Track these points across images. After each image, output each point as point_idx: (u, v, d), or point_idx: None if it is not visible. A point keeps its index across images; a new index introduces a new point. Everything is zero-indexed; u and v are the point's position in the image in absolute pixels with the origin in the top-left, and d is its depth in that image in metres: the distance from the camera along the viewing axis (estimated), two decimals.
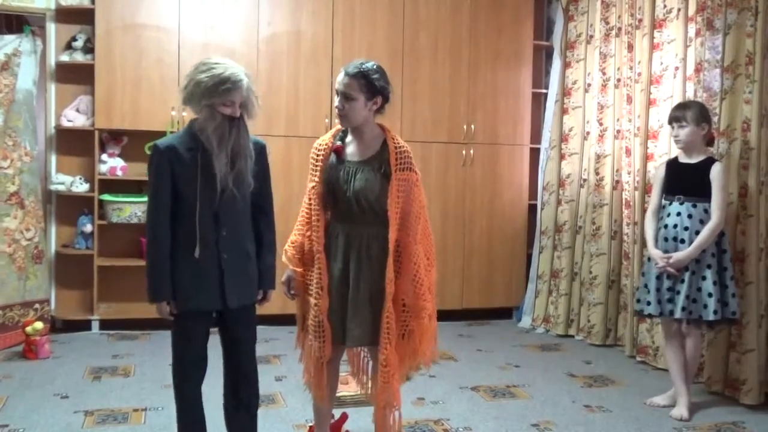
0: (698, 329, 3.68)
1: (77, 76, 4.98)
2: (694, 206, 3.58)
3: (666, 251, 3.61)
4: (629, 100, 4.72)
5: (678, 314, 3.54)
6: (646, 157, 4.54)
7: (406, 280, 2.65)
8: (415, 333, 2.70)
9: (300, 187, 5.25)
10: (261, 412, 3.45)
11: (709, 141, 3.72)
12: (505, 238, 5.67)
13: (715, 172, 3.55)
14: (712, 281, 3.52)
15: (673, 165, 3.76)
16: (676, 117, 3.66)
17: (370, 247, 2.65)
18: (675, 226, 3.61)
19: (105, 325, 4.98)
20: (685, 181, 3.63)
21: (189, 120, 2.62)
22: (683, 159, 3.70)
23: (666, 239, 3.64)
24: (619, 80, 4.87)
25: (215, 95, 2.49)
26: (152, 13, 4.92)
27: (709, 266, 3.53)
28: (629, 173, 4.71)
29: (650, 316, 3.70)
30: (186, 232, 2.49)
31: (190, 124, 2.57)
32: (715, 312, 3.49)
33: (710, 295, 3.50)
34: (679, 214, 3.61)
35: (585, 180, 5.15)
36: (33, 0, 4.92)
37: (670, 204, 3.67)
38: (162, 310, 2.58)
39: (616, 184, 4.88)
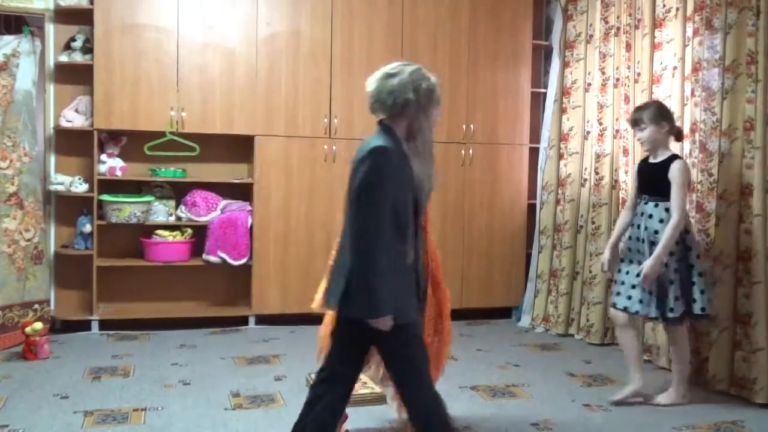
0: (673, 326, 3.70)
1: (76, 76, 4.98)
2: (656, 205, 3.64)
3: (629, 249, 3.74)
4: (627, 99, 4.72)
5: (652, 314, 3.61)
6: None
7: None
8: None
9: (300, 187, 5.27)
10: (260, 412, 3.46)
11: (677, 136, 3.77)
12: (504, 238, 5.67)
13: (674, 170, 3.58)
14: (669, 280, 3.56)
15: (642, 165, 3.84)
16: (635, 120, 3.73)
17: None
18: (638, 226, 3.69)
19: (104, 325, 4.98)
20: (649, 181, 3.70)
21: (382, 124, 2.52)
22: (651, 159, 3.76)
23: (630, 238, 3.76)
24: (618, 80, 4.87)
25: (438, 103, 2.56)
26: (151, 13, 4.92)
27: (666, 265, 3.57)
28: (626, 173, 4.72)
29: (624, 309, 3.71)
30: (395, 241, 2.39)
31: (391, 129, 2.48)
32: (672, 309, 3.54)
33: (669, 293, 3.57)
34: (642, 214, 3.69)
35: (586, 180, 5.15)
36: (32, 0, 4.92)
37: (639, 204, 3.76)
38: (387, 323, 2.38)
39: (615, 184, 4.88)
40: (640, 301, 3.62)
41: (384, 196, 2.34)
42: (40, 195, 4.78)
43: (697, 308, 3.59)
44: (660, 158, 3.68)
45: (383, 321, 2.36)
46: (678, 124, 4.22)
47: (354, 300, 2.38)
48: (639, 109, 3.77)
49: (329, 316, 2.94)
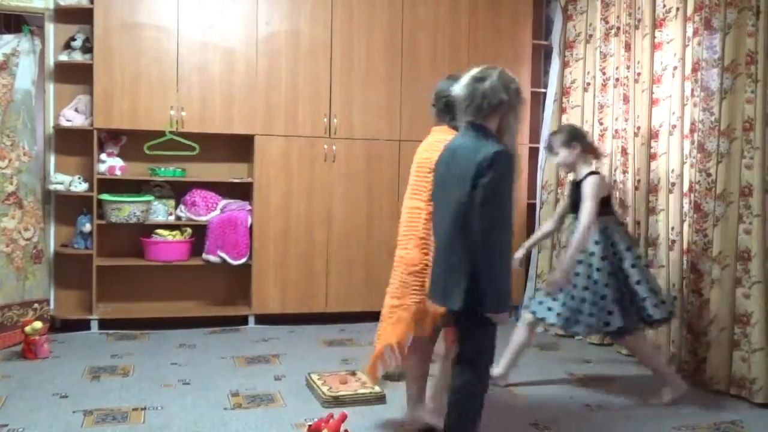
0: (618, 340, 3.87)
1: (76, 75, 4.98)
2: (575, 221, 3.78)
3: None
4: (626, 99, 4.72)
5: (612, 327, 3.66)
6: (650, 157, 4.52)
7: None
8: None
9: (299, 187, 5.27)
10: (260, 412, 3.46)
11: (595, 155, 3.93)
12: None
13: (586, 185, 3.69)
14: (600, 296, 3.65)
15: (570, 184, 3.98)
16: (548, 147, 3.90)
17: None
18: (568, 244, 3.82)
19: (104, 324, 4.98)
20: (574, 201, 3.81)
21: (474, 125, 2.63)
22: (575, 179, 3.87)
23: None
24: (617, 80, 4.87)
25: (523, 102, 2.73)
26: (151, 12, 4.92)
27: (595, 282, 3.66)
28: (624, 173, 4.72)
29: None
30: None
31: (486, 129, 2.61)
32: (607, 324, 3.62)
33: (605, 308, 3.65)
34: (573, 232, 3.78)
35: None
36: (32, 0, 4.92)
37: (571, 223, 3.94)
38: (506, 318, 2.57)
39: (614, 184, 4.88)
40: (577, 321, 3.68)
41: (509, 198, 2.55)
42: (39, 194, 4.78)
43: (645, 315, 3.68)
44: (580, 177, 3.77)
45: (505, 316, 2.55)
46: (676, 124, 4.23)
47: (485, 297, 2.51)
48: (552, 134, 3.92)
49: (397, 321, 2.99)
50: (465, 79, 2.64)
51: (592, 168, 3.82)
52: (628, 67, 4.72)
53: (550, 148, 3.88)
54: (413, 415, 3.13)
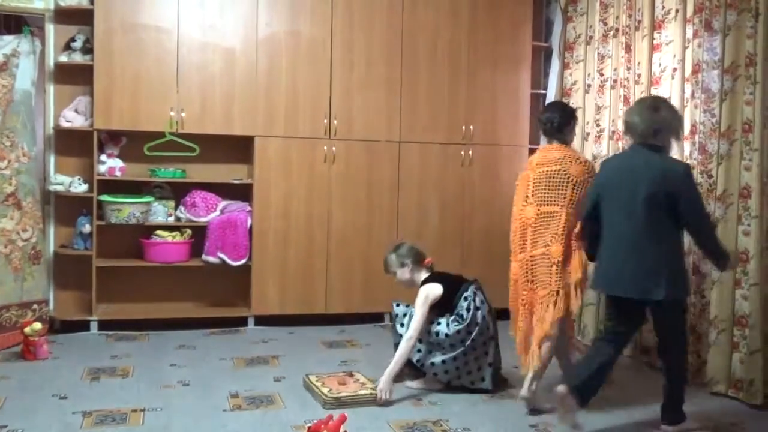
0: None
1: (76, 76, 4.98)
2: None
3: None
4: (626, 101, 4.72)
5: None
6: None
7: None
8: None
9: (299, 188, 5.27)
10: (259, 413, 3.46)
11: (428, 268, 4.13)
12: (503, 239, 5.57)
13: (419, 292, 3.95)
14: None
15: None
16: (385, 268, 4.15)
17: None
18: None
19: (104, 325, 4.98)
20: None
21: (652, 145, 3.24)
22: None
23: None
24: (615, 81, 4.87)
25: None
26: (151, 13, 4.92)
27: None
28: None
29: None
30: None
31: (657, 147, 3.24)
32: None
33: None
34: None
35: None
36: (32, 0, 4.92)
37: None
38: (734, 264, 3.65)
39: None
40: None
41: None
42: (38, 195, 4.78)
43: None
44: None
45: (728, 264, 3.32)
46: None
47: (682, 286, 3.23)
48: (385, 260, 4.09)
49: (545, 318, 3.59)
50: (638, 107, 3.31)
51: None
52: (628, 69, 4.72)
53: (386, 269, 4.11)
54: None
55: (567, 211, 3.57)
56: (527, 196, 3.70)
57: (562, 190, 3.61)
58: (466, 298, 3.88)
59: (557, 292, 3.54)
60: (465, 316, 3.83)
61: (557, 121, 3.69)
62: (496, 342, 3.93)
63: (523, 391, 3.60)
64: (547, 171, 3.66)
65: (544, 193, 3.65)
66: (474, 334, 3.81)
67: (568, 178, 3.59)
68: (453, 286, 3.93)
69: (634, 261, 3.18)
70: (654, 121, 3.22)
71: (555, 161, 3.65)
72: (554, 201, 3.62)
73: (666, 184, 3.12)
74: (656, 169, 3.16)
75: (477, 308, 3.85)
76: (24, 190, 4.65)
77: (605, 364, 3.28)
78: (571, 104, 5.33)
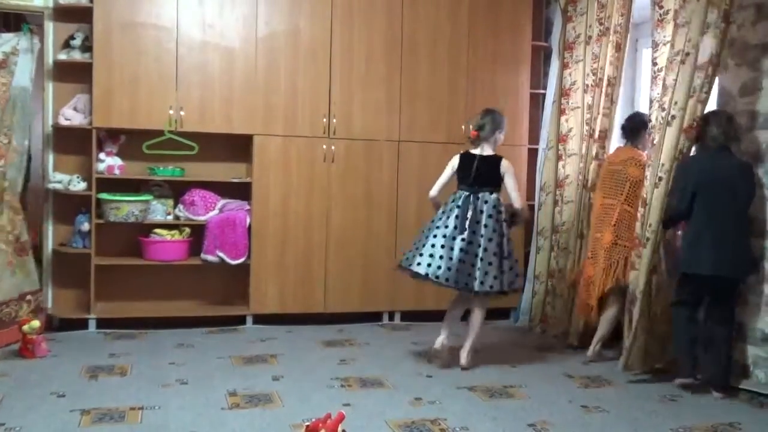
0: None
1: (75, 74, 4.97)
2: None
3: None
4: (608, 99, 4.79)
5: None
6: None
7: None
8: None
9: (298, 187, 5.27)
10: (257, 412, 3.46)
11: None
12: None
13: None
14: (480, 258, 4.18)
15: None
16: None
17: None
18: None
19: (102, 323, 4.97)
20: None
21: (723, 148, 3.84)
22: None
23: None
24: (603, 80, 4.89)
25: None
26: (151, 11, 4.91)
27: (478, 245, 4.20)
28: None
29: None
30: None
31: (731, 150, 3.87)
32: (482, 283, 4.12)
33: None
34: None
35: (587, 180, 5.14)
36: None
37: None
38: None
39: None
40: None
41: None
42: (19, 186, 4.72)
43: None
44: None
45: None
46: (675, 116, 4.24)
47: (750, 265, 3.83)
48: (496, 117, 4.38)
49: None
50: (719, 119, 3.86)
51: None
52: (617, 68, 4.75)
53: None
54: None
55: (621, 207, 4.30)
56: (599, 188, 4.53)
57: (620, 187, 4.35)
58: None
59: (609, 266, 4.35)
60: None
61: (629, 127, 4.44)
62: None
63: (589, 352, 4.47)
64: (613, 169, 4.43)
65: (609, 187, 4.43)
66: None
67: (627, 177, 4.33)
68: None
69: (725, 245, 3.73)
70: (730, 129, 3.84)
71: (620, 162, 4.39)
72: (614, 195, 4.37)
73: (747, 180, 3.77)
74: (737, 170, 3.79)
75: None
76: (9, 183, 4.60)
77: (695, 339, 3.93)
78: (570, 104, 5.34)
